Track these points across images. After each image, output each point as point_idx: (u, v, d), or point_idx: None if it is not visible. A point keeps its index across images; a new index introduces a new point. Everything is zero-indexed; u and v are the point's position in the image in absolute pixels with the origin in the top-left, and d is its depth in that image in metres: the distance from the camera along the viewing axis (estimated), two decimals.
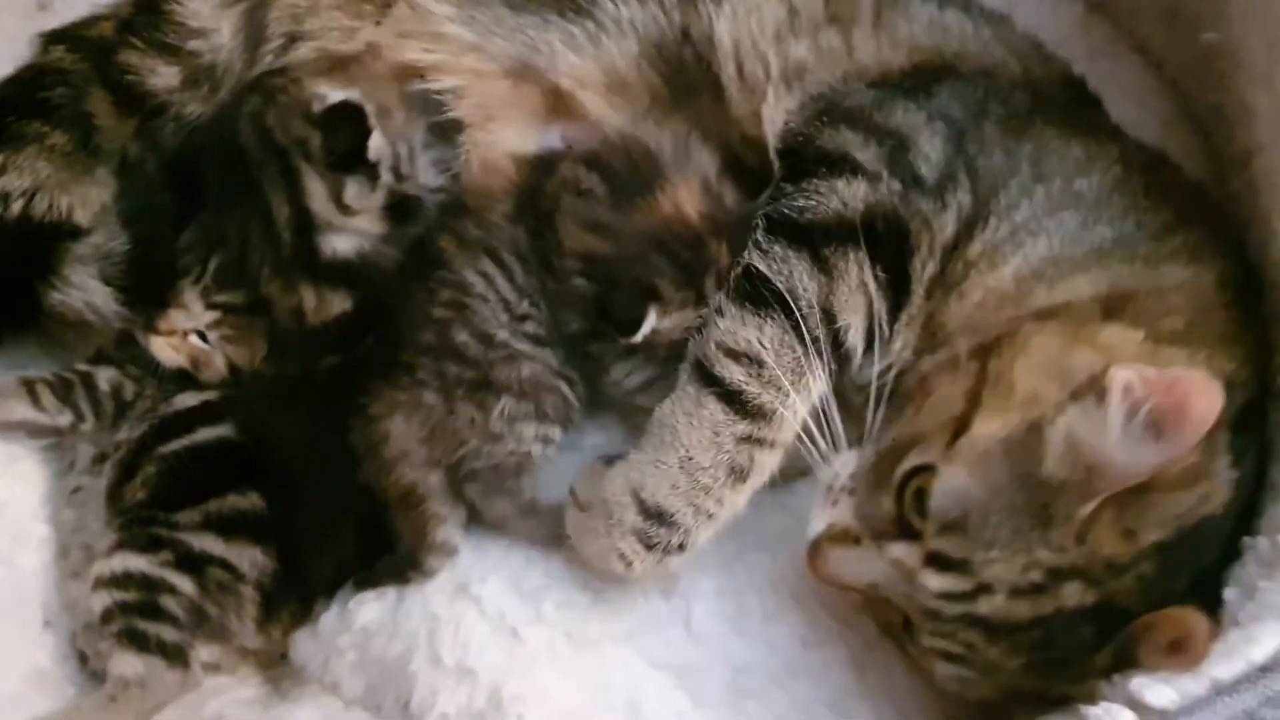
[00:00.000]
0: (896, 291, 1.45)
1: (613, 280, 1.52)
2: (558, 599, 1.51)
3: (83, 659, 1.58)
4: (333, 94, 1.61)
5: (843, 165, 1.48)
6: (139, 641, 1.49)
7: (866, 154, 1.48)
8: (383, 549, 1.56)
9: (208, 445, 1.59)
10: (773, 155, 1.58)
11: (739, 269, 1.47)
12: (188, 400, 1.65)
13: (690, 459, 1.39)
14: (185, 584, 1.51)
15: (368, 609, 1.54)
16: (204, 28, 1.72)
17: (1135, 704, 1.12)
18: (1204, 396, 1.13)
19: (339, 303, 1.61)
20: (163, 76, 1.72)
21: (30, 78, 1.75)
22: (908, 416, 1.37)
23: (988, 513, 1.21)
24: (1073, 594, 1.20)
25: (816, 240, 1.44)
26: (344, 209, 1.61)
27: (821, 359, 1.42)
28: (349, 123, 1.59)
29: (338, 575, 1.57)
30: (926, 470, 1.27)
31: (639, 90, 1.66)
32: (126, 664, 1.49)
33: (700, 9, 1.65)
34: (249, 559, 1.54)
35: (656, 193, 1.54)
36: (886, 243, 1.44)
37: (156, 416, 1.64)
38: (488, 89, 1.69)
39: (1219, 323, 1.37)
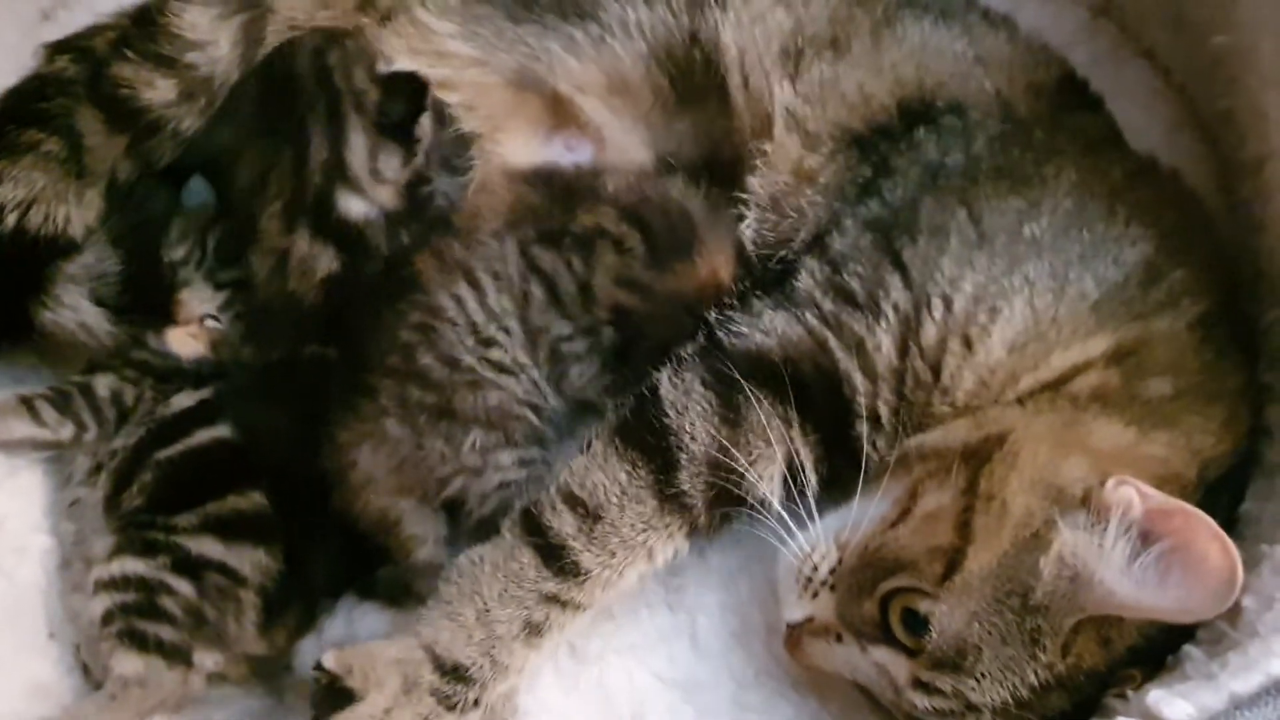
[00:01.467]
0: (834, 442, 1.42)
1: (642, 335, 1.53)
2: None
3: (86, 671, 1.56)
4: (401, 61, 1.63)
5: (780, 294, 1.47)
6: (139, 641, 1.47)
7: (808, 281, 1.47)
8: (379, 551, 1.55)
9: (205, 447, 1.58)
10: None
11: (639, 392, 1.46)
12: (184, 401, 1.63)
13: (487, 611, 1.37)
14: (184, 586, 1.49)
15: (372, 618, 1.51)
16: (201, 40, 1.70)
17: (1152, 719, 1.11)
18: (1218, 553, 1.12)
19: (326, 262, 1.59)
20: (159, 90, 1.69)
21: (32, 88, 1.73)
22: (892, 521, 1.31)
23: (983, 649, 1.20)
24: (1055, 703, 1.20)
25: (732, 379, 1.41)
26: (375, 173, 1.61)
27: (682, 515, 1.40)
28: (409, 93, 1.60)
29: (335, 575, 1.56)
30: (913, 592, 1.25)
31: (642, 92, 1.65)
32: (127, 663, 1.47)
33: (706, 14, 1.64)
34: (250, 561, 1.51)
35: (694, 256, 1.54)
36: (818, 392, 1.41)
37: (153, 420, 1.62)
38: (492, 100, 1.68)
39: (1203, 378, 1.36)
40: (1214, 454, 1.32)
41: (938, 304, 1.38)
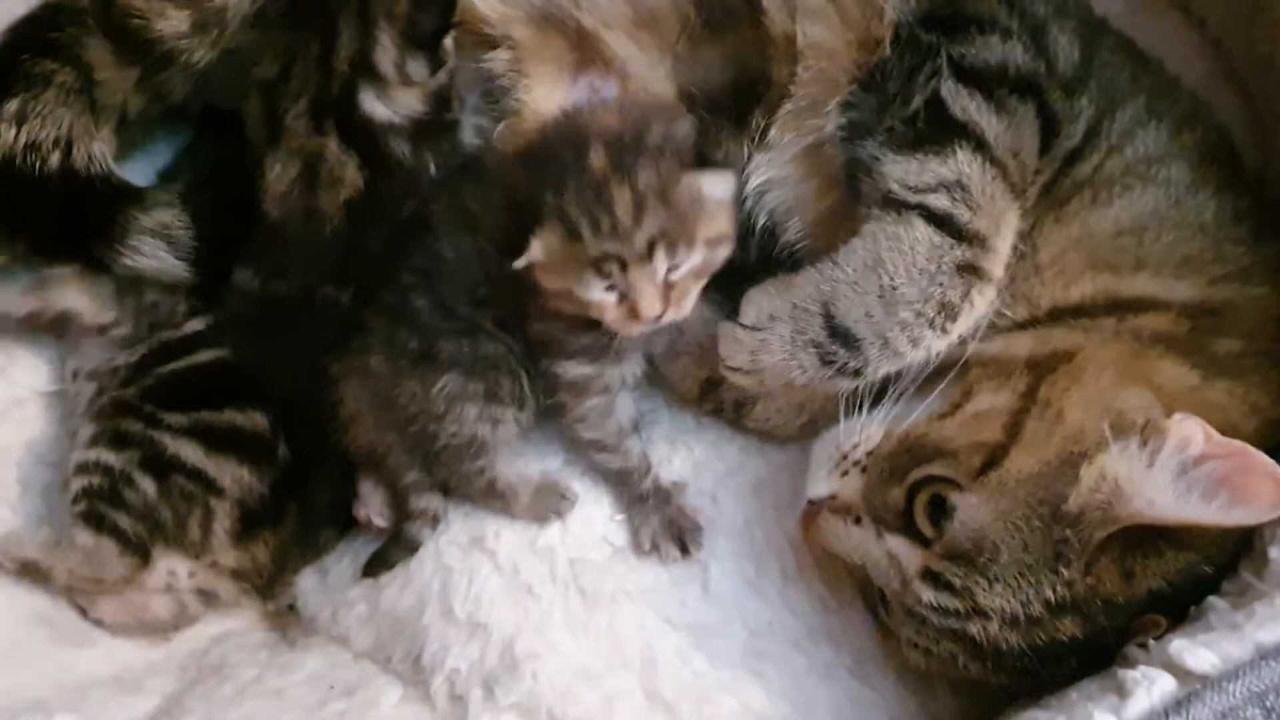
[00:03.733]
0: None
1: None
2: (572, 555, 1.49)
3: (82, 611, 1.56)
4: None
5: (996, 27, 1.42)
6: (96, 521, 1.50)
7: (1001, 46, 1.41)
8: None
9: (208, 364, 1.58)
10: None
11: (907, 109, 1.39)
12: (194, 325, 1.63)
13: (894, 288, 1.30)
14: (146, 484, 1.51)
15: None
16: None
17: (1174, 668, 1.08)
18: (1271, 492, 1.12)
19: (351, 176, 1.55)
20: (172, 21, 1.64)
21: (46, 17, 1.69)
22: (940, 414, 1.31)
23: (1001, 549, 1.19)
24: (1067, 628, 1.19)
25: (995, 85, 1.37)
26: (403, 76, 1.57)
27: (1014, 192, 1.35)
28: (439, 10, 1.56)
29: (340, 508, 1.56)
30: (945, 482, 1.24)
31: (669, 23, 1.59)
32: (82, 536, 1.50)
33: None
34: (231, 475, 1.52)
35: None
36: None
37: (158, 340, 1.62)
38: (517, 36, 1.63)
39: (1275, 344, 1.35)
40: (1273, 414, 1.30)
41: (1103, 145, 1.39)
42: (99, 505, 1.49)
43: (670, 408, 1.61)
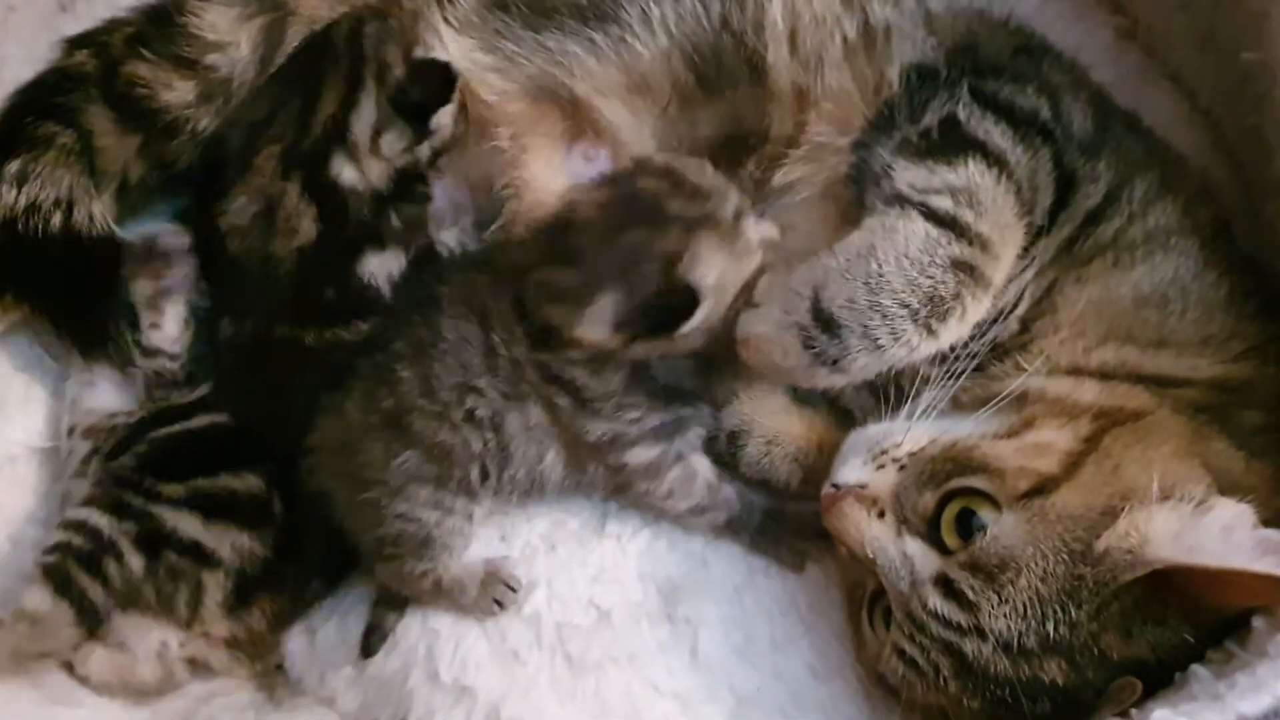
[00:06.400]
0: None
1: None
2: (558, 620, 1.48)
3: (69, 668, 1.54)
4: (440, 54, 1.61)
5: (1027, 82, 1.48)
6: (61, 583, 1.46)
7: (1025, 94, 1.46)
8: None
9: (203, 429, 1.58)
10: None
11: (919, 127, 1.44)
12: (200, 391, 1.65)
13: (880, 275, 1.31)
14: (135, 561, 1.48)
15: None
16: (222, 41, 1.69)
17: None
18: None
19: (306, 227, 1.56)
20: (177, 91, 1.68)
21: (51, 82, 1.71)
22: (996, 435, 1.31)
23: (1022, 573, 1.19)
24: (1053, 670, 1.18)
25: (1021, 121, 1.41)
26: (374, 145, 1.58)
27: (1022, 211, 1.37)
28: (435, 83, 1.58)
29: (330, 568, 1.57)
30: (982, 497, 1.25)
31: (661, 87, 1.61)
32: (36, 596, 1.46)
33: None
34: (231, 543, 1.51)
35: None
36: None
37: (155, 408, 1.63)
38: (513, 112, 1.65)
39: None
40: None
41: (1124, 209, 1.41)
42: (71, 567, 1.47)
43: None
